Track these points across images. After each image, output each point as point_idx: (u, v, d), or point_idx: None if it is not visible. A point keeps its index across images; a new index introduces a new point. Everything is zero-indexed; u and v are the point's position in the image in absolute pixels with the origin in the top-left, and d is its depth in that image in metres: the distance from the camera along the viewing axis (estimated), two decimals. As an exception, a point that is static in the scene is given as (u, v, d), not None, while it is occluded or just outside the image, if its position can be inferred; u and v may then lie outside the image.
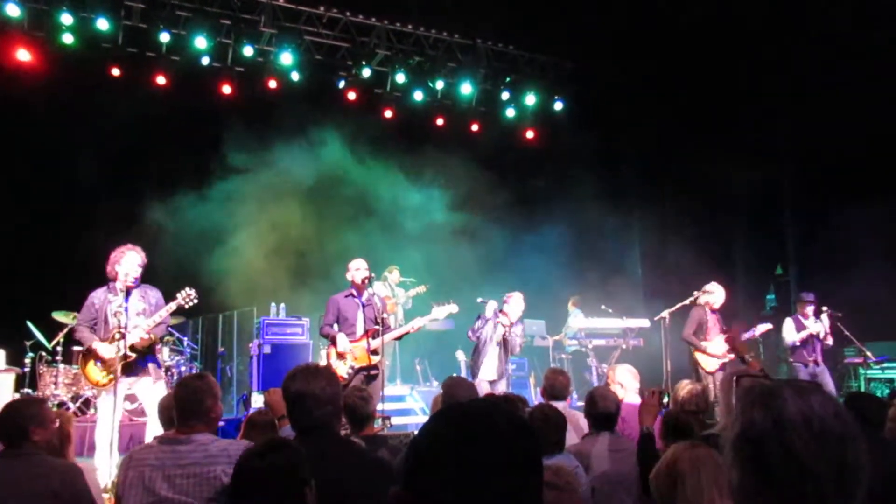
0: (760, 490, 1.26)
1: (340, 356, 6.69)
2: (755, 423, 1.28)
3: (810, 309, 8.81)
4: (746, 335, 8.39)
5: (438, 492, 1.09)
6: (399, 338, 7.34)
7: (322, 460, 2.62)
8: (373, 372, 6.72)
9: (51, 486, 2.97)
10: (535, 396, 9.25)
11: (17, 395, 7.88)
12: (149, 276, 7.08)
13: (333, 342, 6.75)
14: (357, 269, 6.95)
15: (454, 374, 6.50)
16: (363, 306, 6.89)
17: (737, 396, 1.40)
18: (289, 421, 2.93)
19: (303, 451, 2.28)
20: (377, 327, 6.76)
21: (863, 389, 9.41)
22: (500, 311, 7.85)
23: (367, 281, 6.90)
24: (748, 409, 1.30)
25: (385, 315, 7.03)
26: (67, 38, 10.05)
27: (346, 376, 6.50)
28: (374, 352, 6.74)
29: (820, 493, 1.22)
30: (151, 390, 5.93)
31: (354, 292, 6.94)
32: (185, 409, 2.98)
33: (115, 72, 10.50)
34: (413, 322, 7.22)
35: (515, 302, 7.89)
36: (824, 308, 8.85)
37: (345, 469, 2.65)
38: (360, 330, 6.83)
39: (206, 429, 2.99)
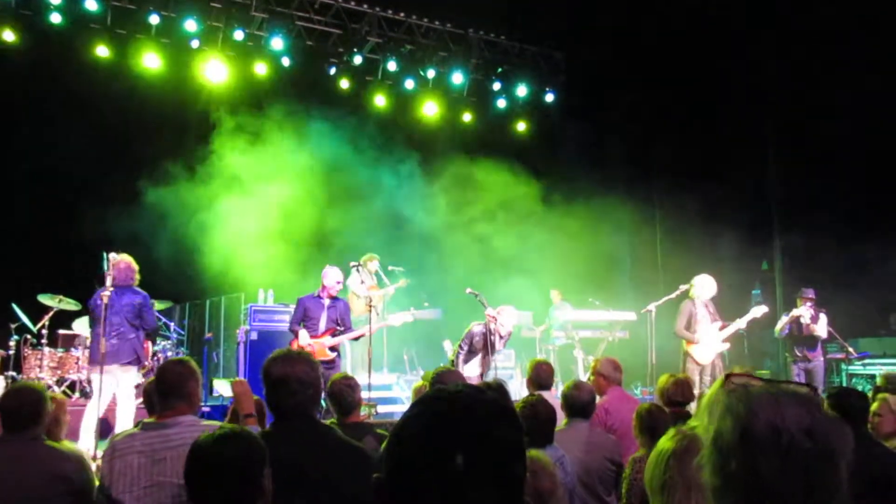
0: (725, 496, 1.24)
1: (300, 348, 7.23)
2: (723, 433, 1.25)
3: (808, 305, 8.89)
4: (744, 319, 8.43)
5: (419, 480, 1.08)
6: (355, 339, 8.03)
7: (301, 446, 2.64)
8: (328, 366, 7.26)
9: (66, 470, 3.00)
10: (521, 387, 9.28)
11: (1, 378, 7.84)
12: (138, 262, 7.07)
13: (297, 336, 7.47)
14: (335, 283, 7.64)
15: (442, 365, 6.54)
16: (328, 308, 7.61)
17: (718, 398, 1.35)
18: (267, 406, 2.90)
19: (260, 440, 2.19)
20: (338, 327, 7.58)
21: (844, 385, 9.53)
22: (490, 316, 7.83)
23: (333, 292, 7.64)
24: (722, 417, 1.27)
25: (374, 303, 7.83)
26: (55, 18, 9.92)
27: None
28: (332, 348, 7.53)
29: None
30: None
31: (323, 294, 7.63)
32: (169, 391, 2.98)
33: (103, 52, 10.37)
34: (363, 327, 7.94)
35: (507, 317, 7.94)
36: (809, 304, 8.94)
37: (322, 455, 2.65)
38: (322, 328, 7.55)
39: (188, 410, 2.99)
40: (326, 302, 7.62)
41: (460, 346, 7.85)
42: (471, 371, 7.78)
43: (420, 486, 1.08)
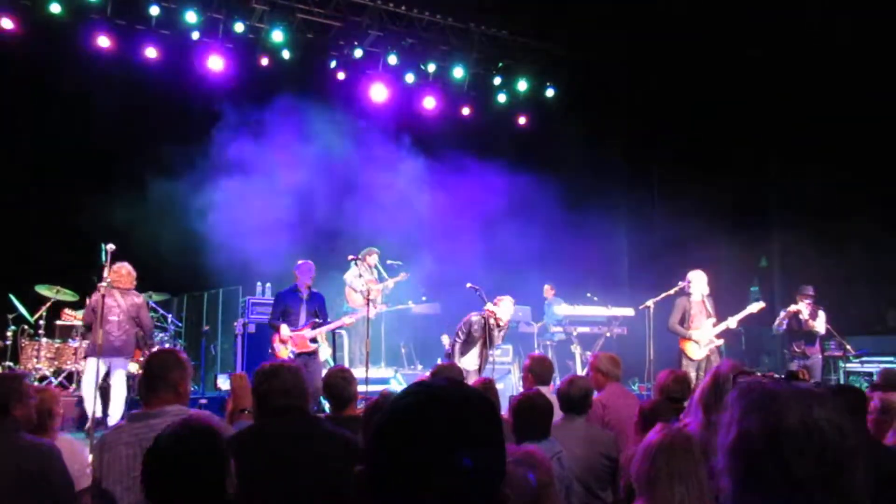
0: (753, 499, 1.21)
1: (283, 342, 7.65)
2: (752, 432, 1.21)
3: (807, 302, 8.89)
4: (738, 316, 8.42)
5: (395, 473, 1.09)
6: (334, 330, 8.20)
7: (289, 438, 2.70)
8: (310, 357, 7.67)
9: (27, 465, 2.90)
10: (516, 383, 9.27)
11: (-1, 369, 7.85)
12: (136, 254, 7.08)
13: (278, 331, 7.69)
14: (310, 277, 7.88)
15: (440, 360, 6.58)
16: (306, 301, 7.84)
17: (734, 397, 1.31)
18: (254, 410, 2.97)
19: (221, 434, 2.18)
20: (317, 320, 7.83)
21: (842, 383, 9.53)
22: (489, 311, 7.84)
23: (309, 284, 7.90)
24: (746, 414, 1.23)
25: (372, 297, 7.96)
26: (54, 8, 9.88)
27: (287, 358, 7.45)
28: (313, 339, 7.77)
29: None
30: None
31: (301, 288, 7.84)
32: (155, 380, 2.98)
33: (104, 43, 10.34)
34: (343, 318, 8.29)
35: (506, 306, 7.93)
36: (808, 301, 8.94)
37: (311, 446, 2.69)
38: (302, 320, 7.79)
39: (175, 400, 2.98)
40: (304, 296, 7.83)
41: (457, 335, 7.83)
42: (469, 364, 7.78)
43: (396, 480, 1.08)
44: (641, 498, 2.35)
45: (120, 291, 7.11)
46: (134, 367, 7.94)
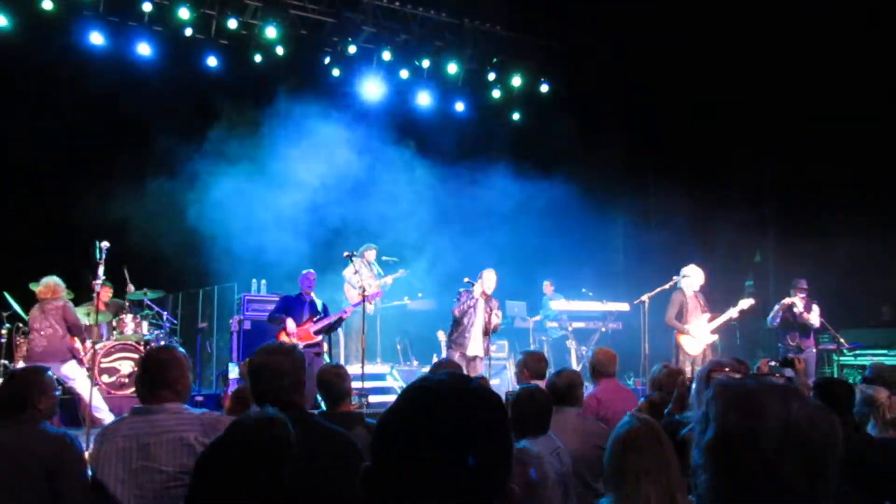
0: (731, 494, 1.22)
1: (288, 334, 7.96)
2: (731, 429, 1.22)
3: (801, 295, 8.91)
4: (732, 311, 8.43)
5: (399, 468, 1.08)
6: (336, 322, 8.47)
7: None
8: (316, 350, 7.99)
9: (44, 455, 2.95)
10: (512, 378, 9.29)
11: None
12: (131, 251, 7.06)
13: (283, 324, 8.00)
14: (308, 287, 8.31)
15: (435, 356, 6.60)
16: (308, 303, 8.29)
17: (711, 395, 1.32)
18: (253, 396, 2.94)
19: (290, 425, 2.22)
20: (319, 314, 8.26)
21: (835, 376, 9.56)
22: (472, 286, 8.02)
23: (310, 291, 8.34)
24: (725, 411, 1.24)
25: (368, 293, 8.17)
26: (47, 5, 9.83)
27: None
28: (317, 332, 8.11)
29: (792, 501, 1.19)
30: None
31: (303, 294, 8.28)
32: (153, 379, 2.98)
33: (97, 39, 10.30)
34: (344, 307, 8.63)
35: (488, 277, 8.13)
36: (802, 294, 8.97)
37: (305, 442, 2.67)
38: (304, 319, 8.19)
39: (175, 397, 2.98)
40: (307, 300, 8.25)
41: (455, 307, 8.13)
42: (473, 350, 7.94)
43: (400, 474, 1.08)
44: (610, 493, 2.34)
45: (45, 301, 7.33)
46: (128, 367, 8.02)
